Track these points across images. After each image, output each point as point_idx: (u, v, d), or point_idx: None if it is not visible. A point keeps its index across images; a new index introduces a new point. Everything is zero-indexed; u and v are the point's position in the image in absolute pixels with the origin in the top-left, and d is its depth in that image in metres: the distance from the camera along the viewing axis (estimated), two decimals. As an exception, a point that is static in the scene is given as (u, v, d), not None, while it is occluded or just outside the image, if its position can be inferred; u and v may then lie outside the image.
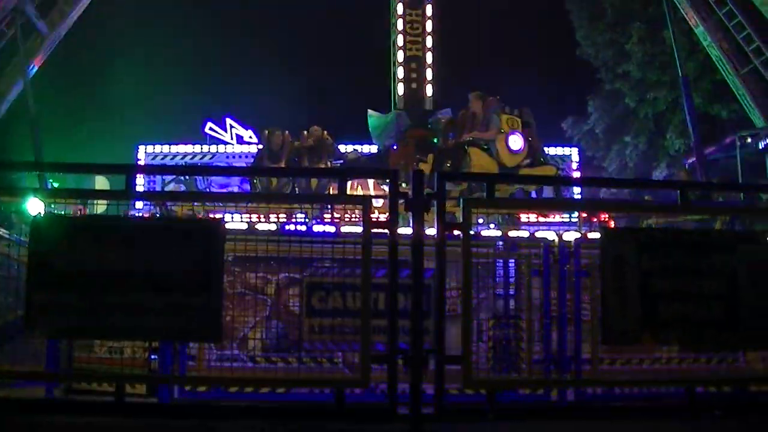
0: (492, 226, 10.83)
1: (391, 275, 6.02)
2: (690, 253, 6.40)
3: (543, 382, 8.48)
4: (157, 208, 11.05)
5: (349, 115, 25.42)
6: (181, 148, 22.84)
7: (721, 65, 28.40)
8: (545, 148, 20.59)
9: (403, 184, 6.82)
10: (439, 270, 6.10)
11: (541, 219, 17.88)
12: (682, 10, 28.85)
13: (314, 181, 15.33)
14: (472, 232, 6.39)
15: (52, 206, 6.60)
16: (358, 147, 24.22)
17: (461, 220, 6.17)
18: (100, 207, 8.84)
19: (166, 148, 23.22)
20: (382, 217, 6.17)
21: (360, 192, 15.83)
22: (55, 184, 19.48)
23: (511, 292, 9.26)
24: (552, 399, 8.43)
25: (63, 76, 31.47)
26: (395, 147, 19.83)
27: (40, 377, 7.57)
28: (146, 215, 10.38)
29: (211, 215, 7.52)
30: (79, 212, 9.23)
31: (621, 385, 8.45)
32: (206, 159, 17.62)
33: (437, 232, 6.09)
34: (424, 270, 6.09)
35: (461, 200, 6.26)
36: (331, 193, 14.22)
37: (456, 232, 6.21)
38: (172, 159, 22.79)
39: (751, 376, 9.21)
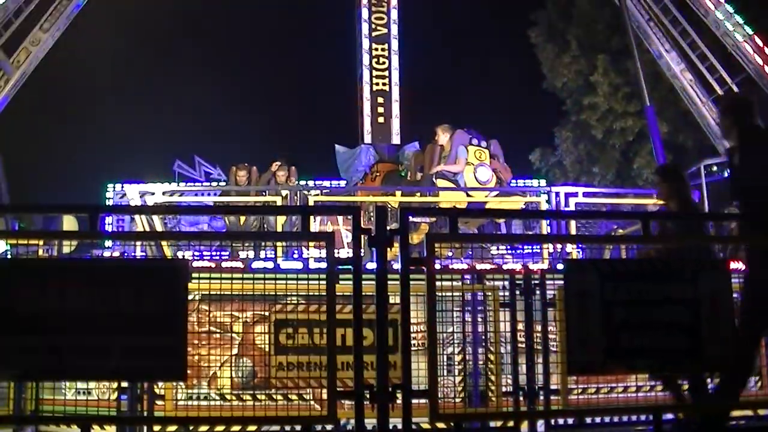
0: (462, 259, 10.86)
1: (355, 311, 6.04)
2: (652, 282, 6.46)
3: (512, 414, 8.49)
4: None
5: (315, 150, 25.53)
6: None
7: (685, 95, 28.75)
8: (513, 180, 20.71)
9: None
10: (404, 304, 6.11)
11: (511, 251, 17.94)
12: (645, 42, 29.21)
13: (281, 218, 15.33)
14: (438, 266, 6.42)
15: (17, 247, 6.59)
16: (326, 182, 24.25)
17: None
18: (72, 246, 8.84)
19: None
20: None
21: (330, 227, 15.80)
22: (22, 225, 19.34)
23: (480, 324, 9.28)
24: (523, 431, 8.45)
25: (31, 115, 31.35)
26: (362, 181, 19.91)
27: (7, 420, 7.52)
28: (111, 255, 10.36)
29: (180, 253, 7.53)
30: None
31: (590, 415, 8.50)
32: (175, 197, 17.54)
33: (401, 267, 6.12)
34: (388, 305, 6.11)
35: (425, 236, 6.30)
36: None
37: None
38: (141, 197, 22.73)
39: (719, 402, 9.29)
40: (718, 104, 27.62)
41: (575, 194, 16.14)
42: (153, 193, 15.26)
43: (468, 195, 16.49)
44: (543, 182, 27.07)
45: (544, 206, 15.95)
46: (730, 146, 7.71)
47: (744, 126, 7.49)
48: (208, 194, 18.61)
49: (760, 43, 26.45)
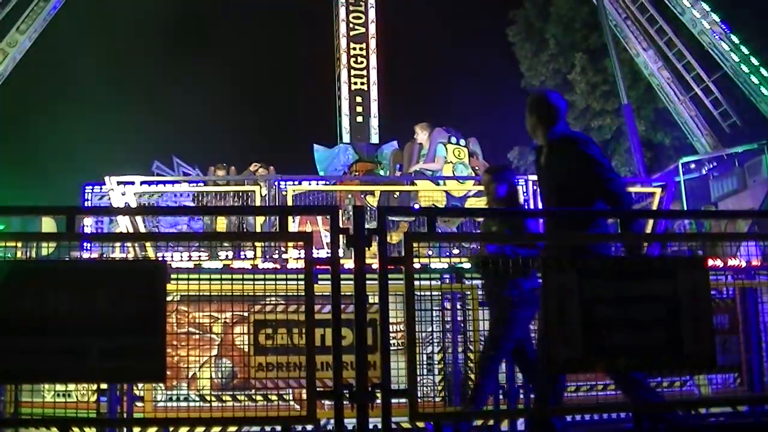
0: (441, 258, 10.86)
1: (334, 311, 6.03)
2: (631, 279, 6.47)
3: (492, 413, 8.49)
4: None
5: (294, 150, 25.48)
6: (129, 189, 22.64)
7: (663, 93, 28.92)
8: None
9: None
10: (383, 304, 6.11)
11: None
12: (623, 40, 29.35)
13: (260, 219, 15.27)
14: (417, 266, 6.42)
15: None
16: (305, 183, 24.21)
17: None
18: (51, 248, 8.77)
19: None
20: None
21: (309, 228, 15.77)
22: (0, 227, 19.21)
23: (459, 323, 9.30)
24: (503, 430, 8.47)
25: (7, 116, 31.18)
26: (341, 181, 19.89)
27: (-16, 423, 7.48)
28: (90, 257, 10.30)
29: (159, 254, 7.51)
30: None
31: (570, 413, 8.51)
32: (154, 198, 17.47)
33: (379, 266, 6.11)
34: (367, 304, 6.11)
35: (403, 235, 6.30)
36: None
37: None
38: (120, 186, 22.54)
39: (698, 399, 9.35)
40: (694, 102, 27.87)
41: None
42: (132, 183, 15.20)
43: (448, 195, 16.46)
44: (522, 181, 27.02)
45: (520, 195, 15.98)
46: (537, 145, 7.64)
47: (549, 124, 7.40)
48: (188, 195, 18.53)
49: (736, 40, 26.63)
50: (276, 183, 15.61)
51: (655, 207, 15.62)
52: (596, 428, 8.56)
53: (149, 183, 15.82)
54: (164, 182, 16.33)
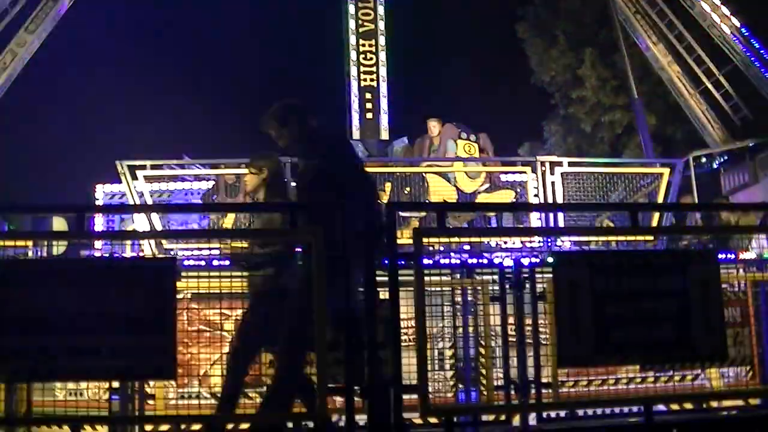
0: (453, 253, 10.85)
1: (345, 306, 6.04)
2: (642, 274, 6.46)
3: (503, 408, 8.49)
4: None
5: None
6: (140, 187, 22.67)
7: (673, 87, 28.82)
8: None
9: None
10: (393, 300, 6.11)
11: (502, 245, 17.89)
12: (632, 35, 29.26)
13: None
14: (428, 261, 6.42)
15: (5, 249, 6.57)
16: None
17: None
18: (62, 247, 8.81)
19: (124, 187, 23.04)
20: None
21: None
22: (12, 227, 19.26)
23: (470, 318, 9.29)
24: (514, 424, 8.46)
25: (18, 115, 31.25)
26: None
27: (-1, 422, 7.50)
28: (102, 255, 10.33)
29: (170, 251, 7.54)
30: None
31: (581, 407, 8.49)
32: (165, 197, 17.46)
33: (389, 262, 6.11)
34: (378, 300, 6.11)
35: (413, 231, 6.29)
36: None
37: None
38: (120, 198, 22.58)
39: (710, 393, 9.33)
40: (705, 96, 27.75)
41: (560, 164, 16.12)
42: (144, 167, 15.26)
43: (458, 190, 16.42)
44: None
45: (530, 177, 15.93)
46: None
47: (297, 131, 7.28)
48: (197, 193, 18.53)
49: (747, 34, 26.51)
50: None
51: (662, 190, 15.50)
52: (606, 422, 8.52)
53: (160, 167, 15.79)
54: (174, 165, 16.28)
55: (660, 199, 15.28)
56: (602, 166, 17.35)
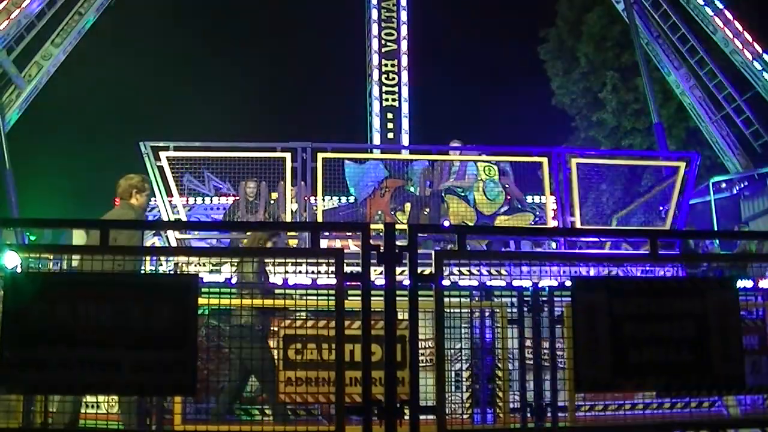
0: (471, 274, 10.87)
1: (364, 326, 6.07)
2: (660, 299, 6.47)
3: (519, 431, 8.49)
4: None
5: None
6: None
7: (694, 112, 28.80)
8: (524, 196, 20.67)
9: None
10: (412, 320, 6.14)
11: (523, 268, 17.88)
12: (654, 59, 29.26)
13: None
14: (447, 283, 6.45)
15: (29, 261, 6.64)
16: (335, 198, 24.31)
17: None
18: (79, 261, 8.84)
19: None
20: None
21: (338, 244, 15.79)
22: (32, 238, 19.43)
23: (488, 341, 9.30)
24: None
25: (41, 129, 31.46)
26: (371, 196, 19.90)
27: (15, 433, 7.53)
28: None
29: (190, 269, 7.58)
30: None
31: (599, 432, 8.48)
32: (185, 211, 17.56)
33: (409, 283, 6.15)
34: (396, 321, 6.14)
35: (434, 253, 6.32)
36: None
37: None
38: (150, 211, 22.71)
39: (727, 420, 9.29)
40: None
41: (576, 155, 16.17)
42: (168, 148, 15.35)
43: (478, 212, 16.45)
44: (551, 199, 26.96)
45: (546, 168, 15.97)
46: None
47: None
48: (220, 208, 18.60)
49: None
50: (307, 150, 15.75)
51: (678, 185, 15.40)
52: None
53: (183, 149, 15.87)
54: (197, 148, 16.35)
55: (675, 194, 15.22)
56: (618, 158, 17.32)
